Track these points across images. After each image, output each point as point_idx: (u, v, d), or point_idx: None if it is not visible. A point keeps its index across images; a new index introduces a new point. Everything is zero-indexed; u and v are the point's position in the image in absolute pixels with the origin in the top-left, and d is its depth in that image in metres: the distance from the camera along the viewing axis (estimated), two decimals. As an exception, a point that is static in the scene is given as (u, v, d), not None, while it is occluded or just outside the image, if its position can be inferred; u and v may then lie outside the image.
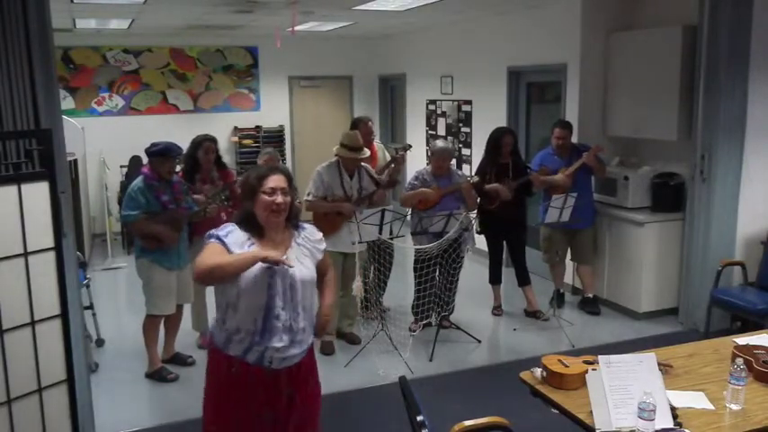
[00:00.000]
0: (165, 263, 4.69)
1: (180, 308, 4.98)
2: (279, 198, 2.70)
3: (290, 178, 2.81)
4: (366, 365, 4.96)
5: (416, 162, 8.12)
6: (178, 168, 4.94)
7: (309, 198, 5.11)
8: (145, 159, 4.87)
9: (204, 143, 5.16)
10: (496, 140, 5.71)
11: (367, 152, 5.21)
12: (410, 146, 5.71)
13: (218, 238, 2.68)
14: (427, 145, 9.02)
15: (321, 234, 2.94)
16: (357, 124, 5.76)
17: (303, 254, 2.80)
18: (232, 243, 2.68)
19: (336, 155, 5.13)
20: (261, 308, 2.66)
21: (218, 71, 9.87)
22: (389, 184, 5.44)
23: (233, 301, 2.67)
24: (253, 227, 2.74)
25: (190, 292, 4.99)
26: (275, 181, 2.72)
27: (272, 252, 2.60)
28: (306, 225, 2.91)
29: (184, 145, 5.28)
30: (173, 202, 4.70)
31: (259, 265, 2.61)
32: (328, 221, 5.10)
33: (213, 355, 2.81)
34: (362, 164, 5.25)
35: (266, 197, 2.70)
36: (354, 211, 4.99)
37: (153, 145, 4.70)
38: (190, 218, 4.80)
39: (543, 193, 5.86)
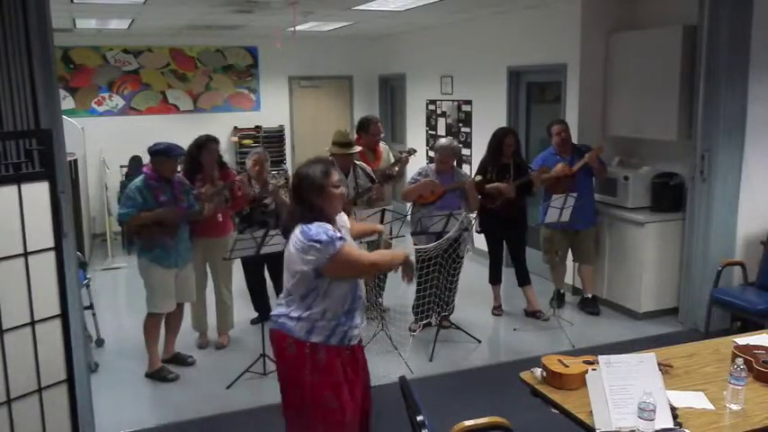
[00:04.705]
0: (164, 261, 4.70)
1: (180, 307, 4.99)
2: (342, 188, 2.95)
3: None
4: (366, 365, 4.96)
5: (417, 163, 8.09)
6: (179, 168, 4.95)
7: None
8: (146, 158, 4.87)
9: (208, 144, 5.16)
10: (499, 140, 5.70)
11: (358, 148, 5.21)
12: (415, 150, 5.74)
13: (343, 238, 2.82)
14: (427, 145, 9.02)
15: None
16: (366, 124, 5.74)
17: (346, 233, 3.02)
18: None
19: (329, 153, 5.16)
20: (351, 290, 2.90)
21: (218, 71, 9.87)
22: (385, 179, 5.43)
23: (323, 288, 2.82)
24: (326, 219, 2.87)
25: (191, 291, 5.00)
26: (336, 174, 2.95)
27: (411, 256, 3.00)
28: None
29: (185, 145, 5.28)
30: (172, 203, 4.70)
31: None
32: None
33: (302, 348, 2.84)
34: (358, 162, 5.25)
35: (335, 190, 2.89)
36: (347, 196, 5.02)
37: (156, 144, 4.72)
38: (187, 217, 4.80)
39: (543, 193, 5.86)
